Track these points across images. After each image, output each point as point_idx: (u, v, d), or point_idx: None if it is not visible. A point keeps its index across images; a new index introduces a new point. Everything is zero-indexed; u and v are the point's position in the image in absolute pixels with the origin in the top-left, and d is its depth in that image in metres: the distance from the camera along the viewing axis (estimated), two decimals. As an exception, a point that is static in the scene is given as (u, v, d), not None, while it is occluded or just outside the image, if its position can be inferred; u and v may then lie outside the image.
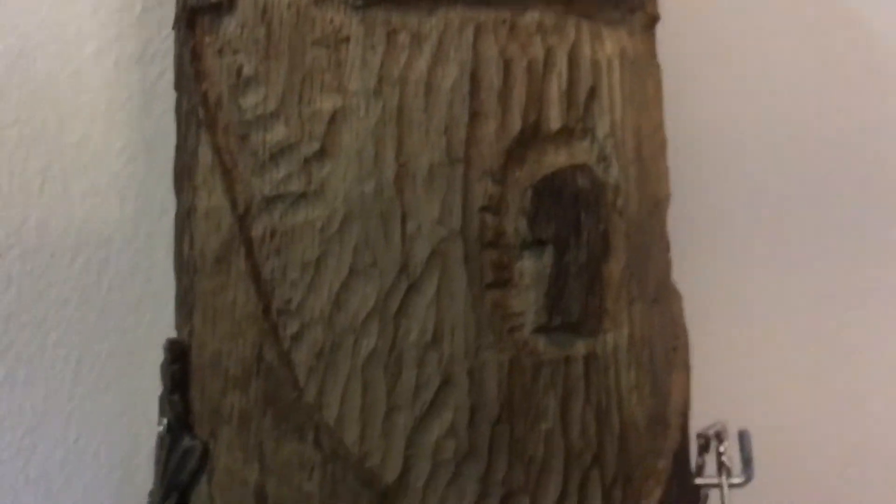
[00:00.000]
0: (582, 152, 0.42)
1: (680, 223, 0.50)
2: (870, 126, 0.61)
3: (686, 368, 0.49)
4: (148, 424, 0.48)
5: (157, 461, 0.44)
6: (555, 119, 0.41)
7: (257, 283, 0.41)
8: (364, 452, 0.41)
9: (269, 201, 0.40)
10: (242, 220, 0.40)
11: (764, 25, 0.61)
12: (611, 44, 0.43)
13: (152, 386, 0.49)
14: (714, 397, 0.51)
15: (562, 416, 0.42)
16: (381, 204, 0.39)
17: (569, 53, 0.41)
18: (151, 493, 0.45)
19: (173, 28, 0.45)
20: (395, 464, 0.41)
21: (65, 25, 0.44)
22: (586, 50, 0.42)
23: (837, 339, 0.63)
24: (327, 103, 0.39)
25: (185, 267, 0.42)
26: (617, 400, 0.43)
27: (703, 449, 0.53)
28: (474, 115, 0.39)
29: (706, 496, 0.55)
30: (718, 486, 0.54)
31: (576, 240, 0.41)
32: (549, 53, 0.41)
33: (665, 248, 0.49)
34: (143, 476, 0.48)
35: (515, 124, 0.40)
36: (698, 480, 0.52)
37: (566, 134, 0.42)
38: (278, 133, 0.40)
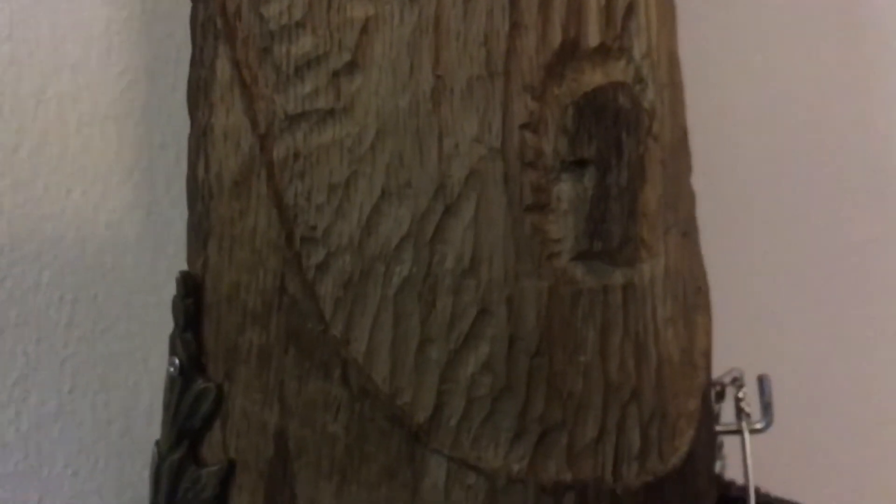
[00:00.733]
0: (618, 72, 0.40)
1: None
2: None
3: (708, 311, 0.48)
4: (148, 374, 0.46)
5: (167, 406, 0.41)
6: (593, 35, 0.39)
7: (279, 209, 0.38)
8: (394, 389, 0.39)
9: (294, 119, 0.38)
10: (263, 140, 0.38)
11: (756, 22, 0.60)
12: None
13: (153, 331, 0.46)
14: (727, 347, 0.49)
15: (601, 348, 0.40)
16: (417, 120, 0.37)
17: (608, -34, 0.39)
18: (158, 443, 0.42)
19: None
20: (427, 401, 0.39)
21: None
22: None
23: (853, 283, 0.63)
24: (359, 11, 0.37)
25: (199, 192, 0.40)
26: (654, 333, 0.42)
27: (719, 397, 0.52)
28: (514, 26, 0.37)
29: (721, 444, 0.54)
30: (739, 432, 0.53)
31: (617, 161, 0.39)
32: (588, -36, 0.39)
33: (690, 182, 0.48)
34: (143, 429, 0.45)
35: (555, 38, 0.38)
36: (718, 428, 0.51)
37: (603, 52, 0.40)
38: (304, 44, 0.37)
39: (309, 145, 0.38)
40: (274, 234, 0.39)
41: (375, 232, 0.38)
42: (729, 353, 0.50)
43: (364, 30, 0.37)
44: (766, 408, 0.55)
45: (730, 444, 0.51)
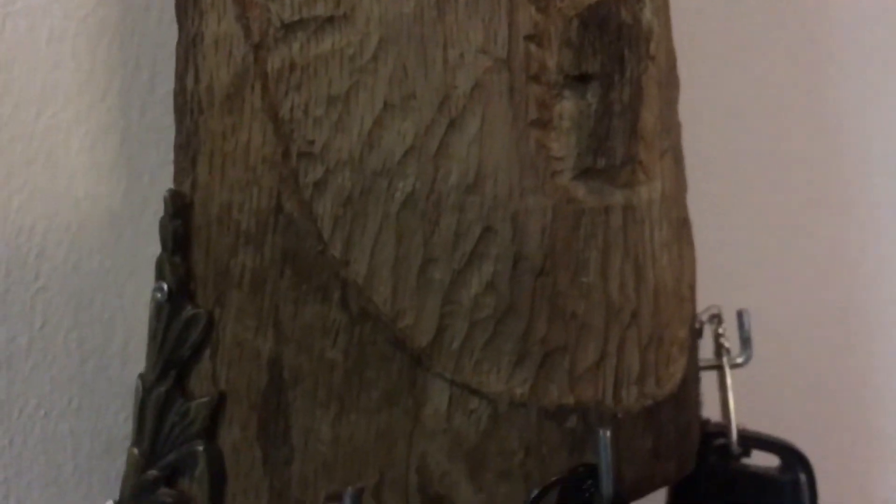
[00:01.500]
0: (617, -12, 0.40)
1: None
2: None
3: (692, 244, 0.48)
4: (123, 311, 0.44)
5: (153, 335, 0.39)
6: (594, -52, 0.38)
7: (275, 123, 0.37)
8: (396, 312, 0.38)
9: (290, 28, 0.36)
10: (258, 49, 0.36)
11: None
12: None
13: (128, 264, 0.44)
14: (704, 284, 0.50)
15: (602, 269, 0.40)
16: (421, 27, 0.36)
17: None
18: (142, 375, 0.40)
19: None
20: (429, 324, 0.38)
21: None
22: None
23: (833, 218, 0.63)
24: None
25: (188, 106, 0.38)
26: (651, 257, 0.42)
27: (698, 334, 0.52)
28: (519, -67, 0.36)
29: (698, 382, 0.55)
30: (719, 367, 0.54)
31: (620, 76, 0.38)
32: None
33: (677, 110, 0.48)
34: (118, 369, 0.43)
35: (558, -52, 0.37)
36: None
37: (602, -34, 0.39)
38: (301, -54, 0.36)
39: (306, 55, 0.37)
40: (269, 150, 0.37)
41: (377, 146, 0.37)
42: (706, 291, 0.50)
43: (365, -70, 0.36)
44: (746, 342, 0.56)
45: (703, 383, 0.51)
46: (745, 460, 0.55)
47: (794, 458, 0.54)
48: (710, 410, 0.53)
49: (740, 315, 0.55)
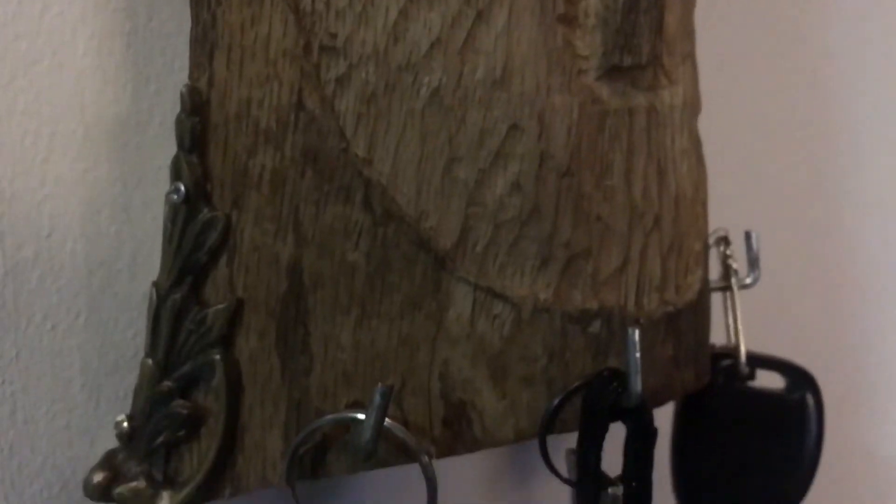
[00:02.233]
0: None
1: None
2: None
3: (704, 164, 0.48)
4: (130, 224, 0.43)
5: (168, 239, 0.38)
6: None
7: (296, 14, 0.36)
8: (420, 213, 0.37)
9: (311, -88, 0.35)
10: (278, -63, 0.35)
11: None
12: None
13: (134, 174, 0.43)
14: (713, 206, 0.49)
15: (626, 172, 0.39)
16: (448, -86, 0.35)
17: None
18: (156, 283, 0.39)
19: None
20: (453, 225, 0.38)
21: None
22: None
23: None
24: None
25: (205, -3, 0.36)
26: (672, 162, 0.42)
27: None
28: None
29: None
30: (728, 288, 0.54)
31: (646, -28, 0.38)
32: None
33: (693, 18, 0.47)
34: (126, 285, 0.42)
35: None
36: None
37: None
38: None
39: (329, -58, 0.36)
40: (290, 43, 0.36)
41: (402, 39, 0.36)
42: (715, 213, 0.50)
43: None
44: (753, 263, 0.56)
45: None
46: (752, 383, 0.56)
47: (801, 378, 0.55)
48: (713, 337, 0.53)
49: (748, 236, 0.55)
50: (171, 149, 0.39)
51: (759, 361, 0.55)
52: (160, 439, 0.40)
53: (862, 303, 0.66)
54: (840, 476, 0.62)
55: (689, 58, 0.44)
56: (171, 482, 0.41)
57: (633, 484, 0.39)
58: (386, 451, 0.39)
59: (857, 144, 0.68)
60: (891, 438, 0.67)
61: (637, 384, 0.37)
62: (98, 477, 0.41)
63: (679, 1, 0.42)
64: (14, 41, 0.38)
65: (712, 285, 0.52)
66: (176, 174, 0.38)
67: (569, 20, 0.37)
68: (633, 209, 0.40)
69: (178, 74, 0.43)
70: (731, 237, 0.54)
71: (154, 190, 0.43)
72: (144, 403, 0.41)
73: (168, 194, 0.37)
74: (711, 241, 0.54)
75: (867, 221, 0.68)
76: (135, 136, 0.42)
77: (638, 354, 0.37)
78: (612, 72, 0.38)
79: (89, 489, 0.41)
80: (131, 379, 0.42)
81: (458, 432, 0.39)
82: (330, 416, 0.38)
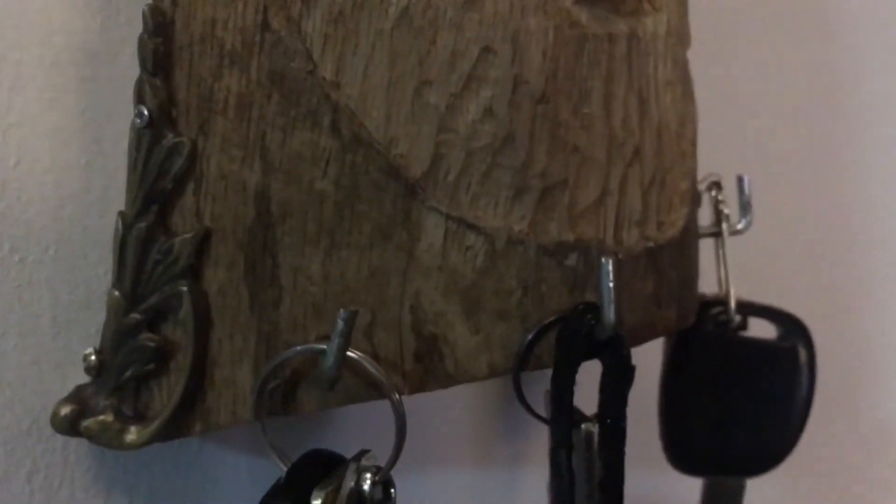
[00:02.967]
0: None
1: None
2: None
3: (693, 101, 0.47)
4: (101, 156, 0.42)
5: (132, 166, 0.38)
6: None
7: (261, -70, 0.35)
8: (389, 139, 0.36)
9: None
10: None
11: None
12: None
13: (104, 105, 0.42)
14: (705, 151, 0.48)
15: (605, 100, 0.38)
16: None
17: None
18: (122, 212, 0.38)
19: None
20: (424, 152, 0.37)
21: None
22: None
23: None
24: None
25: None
26: (655, 92, 0.41)
27: (697, 200, 0.51)
28: None
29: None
30: (719, 234, 0.53)
31: None
32: None
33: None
34: (96, 219, 0.42)
35: None
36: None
37: None
38: None
39: None
40: (254, -40, 0.36)
41: (370, -45, 0.35)
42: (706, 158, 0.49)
43: None
44: (746, 207, 0.54)
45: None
46: (743, 333, 0.55)
47: (793, 327, 0.54)
48: (706, 287, 0.52)
49: (740, 180, 0.54)
50: (141, 80, 0.39)
51: (750, 309, 0.54)
52: (128, 373, 0.40)
53: (855, 248, 0.65)
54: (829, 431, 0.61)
55: (677, -17, 0.43)
56: (140, 417, 0.41)
57: (608, 421, 0.39)
58: (356, 386, 0.39)
59: (859, 87, 0.66)
60: (882, 389, 0.67)
61: (610, 314, 0.36)
62: (65, 409, 0.40)
63: (664, -79, 0.41)
64: (-24, -39, 0.37)
65: (703, 231, 0.51)
66: (139, 97, 0.37)
67: (542, -63, 0.37)
68: (611, 139, 0.39)
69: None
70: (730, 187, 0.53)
71: (125, 123, 0.42)
72: (112, 336, 0.40)
73: (132, 119, 0.37)
74: (704, 185, 0.53)
75: (866, 171, 0.67)
76: (105, 67, 0.41)
77: (612, 284, 0.36)
78: (592, -5, 0.38)
79: (56, 422, 0.40)
80: (103, 314, 0.42)
81: (429, 367, 0.39)
82: (297, 348, 0.38)
